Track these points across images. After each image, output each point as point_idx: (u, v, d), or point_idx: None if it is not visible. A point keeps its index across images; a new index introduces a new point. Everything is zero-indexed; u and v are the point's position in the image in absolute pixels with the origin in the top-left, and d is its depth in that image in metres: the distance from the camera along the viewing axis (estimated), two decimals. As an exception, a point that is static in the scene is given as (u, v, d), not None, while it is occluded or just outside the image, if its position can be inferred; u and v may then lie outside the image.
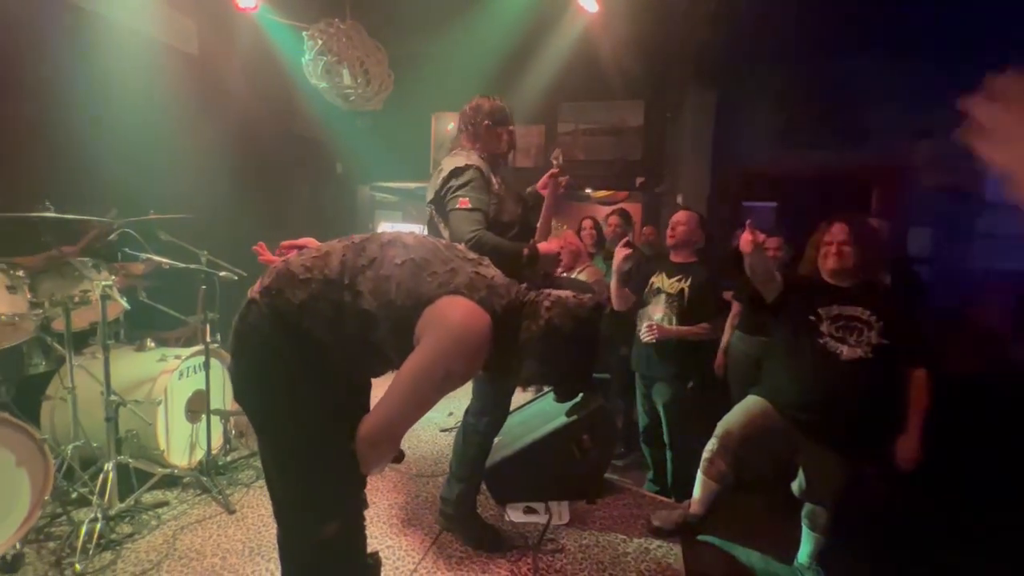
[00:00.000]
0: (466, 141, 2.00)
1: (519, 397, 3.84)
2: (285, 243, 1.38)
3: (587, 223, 3.64)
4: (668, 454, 2.53)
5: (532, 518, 2.31)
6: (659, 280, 2.52)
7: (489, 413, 2.06)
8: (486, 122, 1.98)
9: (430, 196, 1.97)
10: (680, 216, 2.54)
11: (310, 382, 1.13)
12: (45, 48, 2.97)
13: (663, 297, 2.47)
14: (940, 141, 3.89)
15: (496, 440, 2.20)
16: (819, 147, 4.09)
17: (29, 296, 2.13)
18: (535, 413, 2.76)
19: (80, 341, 2.50)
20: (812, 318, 1.94)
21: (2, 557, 1.82)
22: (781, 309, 2.03)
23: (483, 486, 2.36)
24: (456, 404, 3.56)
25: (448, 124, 5.31)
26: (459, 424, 2.17)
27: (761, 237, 1.93)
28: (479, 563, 2.01)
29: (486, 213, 1.84)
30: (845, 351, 1.86)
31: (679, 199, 4.17)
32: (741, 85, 4.21)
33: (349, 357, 1.16)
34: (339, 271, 1.12)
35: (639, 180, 4.89)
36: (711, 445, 2.04)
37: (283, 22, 3.81)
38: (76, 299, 2.22)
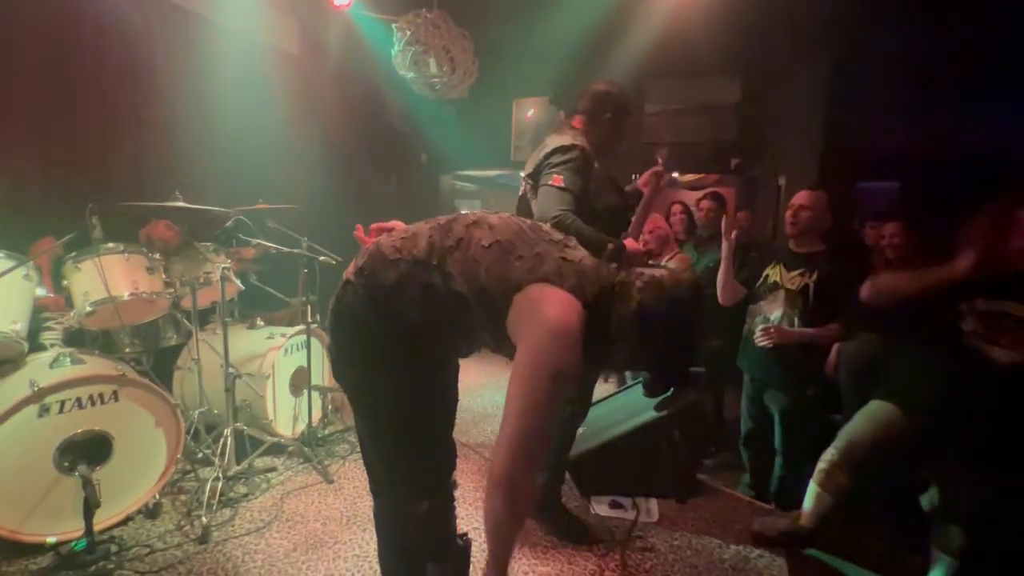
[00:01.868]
0: (578, 123, 1.95)
1: (601, 388, 3.76)
2: (375, 225, 1.41)
3: (676, 207, 3.43)
4: (777, 461, 2.32)
5: (618, 513, 2.24)
6: (775, 273, 2.24)
7: (572, 402, 2.01)
8: (608, 115, 1.93)
9: (529, 169, 1.94)
10: (803, 198, 2.21)
11: (401, 360, 1.15)
12: (169, 53, 3.30)
13: (782, 294, 2.20)
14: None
15: (580, 430, 2.14)
16: (951, 122, 3.53)
17: (164, 277, 2.39)
18: (622, 405, 2.66)
19: (203, 318, 2.77)
20: (954, 313, 1.66)
21: (146, 504, 2.07)
22: (915, 302, 1.75)
23: (568, 476, 2.32)
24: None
25: (528, 110, 5.25)
26: None
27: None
28: (565, 554, 1.98)
29: (578, 197, 1.77)
30: (997, 353, 1.58)
31: (781, 181, 3.81)
32: (859, 53, 3.73)
33: (439, 336, 1.16)
34: (427, 252, 1.12)
35: (734, 161, 4.54)
36: (831, 456, 1.84)
37: (374, 16, 3.94)
38: (201, 280, 2.46)
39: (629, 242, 1.80)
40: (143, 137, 3.19)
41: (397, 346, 1.14)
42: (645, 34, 4.28)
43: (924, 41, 3.60)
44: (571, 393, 1.04)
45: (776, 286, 2.22)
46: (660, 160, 2.01)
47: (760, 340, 2.18)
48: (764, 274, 2.28)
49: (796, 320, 2.15)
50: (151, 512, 2.09)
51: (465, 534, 1.41)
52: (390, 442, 1.21)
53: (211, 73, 3.48)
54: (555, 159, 1.79)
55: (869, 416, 1.83)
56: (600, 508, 2.27)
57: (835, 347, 2.61)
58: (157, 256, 2.39)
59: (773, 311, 2.21)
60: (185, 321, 2.57)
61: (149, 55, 3.19)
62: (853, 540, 2.28)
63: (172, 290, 2.45)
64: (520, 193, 2.00)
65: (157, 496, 2.11)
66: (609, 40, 4.39)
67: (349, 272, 1.19)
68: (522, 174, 1.98)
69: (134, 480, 2.05)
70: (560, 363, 0.96)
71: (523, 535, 2.07)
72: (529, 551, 1.99)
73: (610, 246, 1.74)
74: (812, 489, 1.89)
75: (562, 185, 1.74)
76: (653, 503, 2.30)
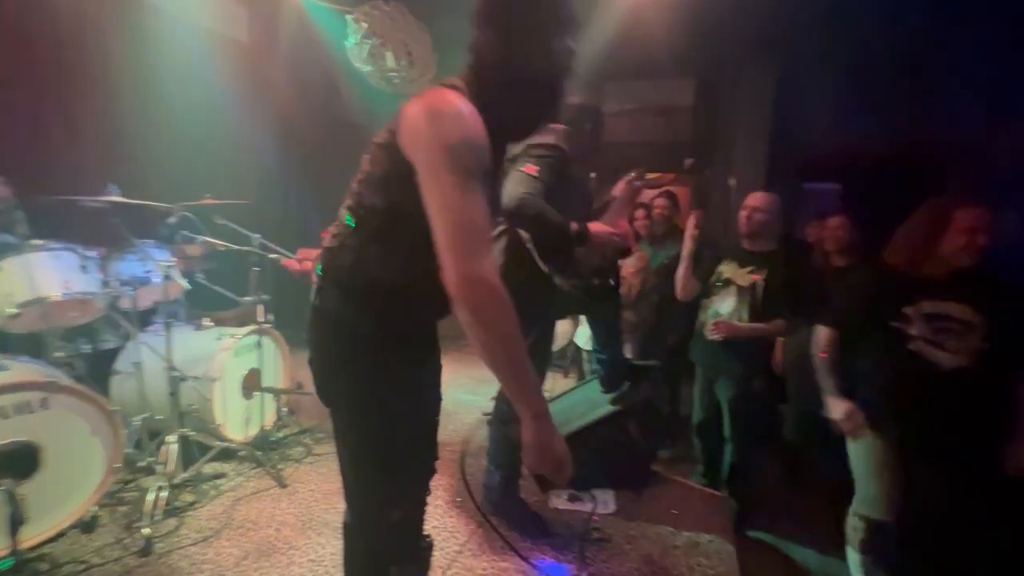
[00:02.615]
0: (559, 131, 1.96)
1: (561, 383, 3.81)
2: (301, 254, 1.37)
3: (640, 212, 3.50)
4: (727, 448, 2.43)
5: (577, 506, 2.28)
6: (728, 269, 2.32)
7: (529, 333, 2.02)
8: (588, 125, 2.00)
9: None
10: (757, 200, 2.29)
11: (387, 353, 1.10)
12: (105, 38, 3.10)
13: (733, 289, 2.28)
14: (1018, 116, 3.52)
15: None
16: (892, 124, 3.77)
17: (100, 275, 2.25)
18: (579, 400, 2.72)
19: (145, 319, 2.63)
20: (899, 318, 1.64)
21: (80, 518, 1.95)
22: (860, 305, 1.76)
23: (526, 471, 2.34)
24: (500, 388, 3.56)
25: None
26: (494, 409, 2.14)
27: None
28: (524, 549, 2.00)
29: (547, 190, 1.79)
30: (942, 358, 1.58)
31: (731, 182, 3.97)
32: (804, 58, 3.92)
33: (407, 285, 1.08)
34: (352, 212, 1.10)
35: (688, 161, 4.69)
36: (859, 528, 1.79)
37: (328, 6, 3.83)
38: (140, 279, 2.33)
39: (593, 225, 1.83)
40: (77, 129, 2.98)
41: (380, 336, 1.09)
42: (604, 35, 4.35)
43: (865, 46, 3.82)
44: (482, 163, 0.94)
45: (729, 282, 2.31)
46: (635, 177, 2.08)
47: (711, 334, 2.27)
48: (718, 270, 2.37)
49: (745, 315, 2.25)
50: (87, 526, 1.97)
51: (427, 536, 1.41)
52: (374, 453, 1.17)
53: (152, 60, 3.30)
54: (535, 151, 1.82)
55: (874, 470, 1.75)
56: (559, 502, 2.30)
57: (779, 341, 2.75)
58: (92, 254, 2.25)
59: (724, 306, 2.30)
60: (124, 322, 2.43)
61: (82, 40, 2.99)
62: (797, 521, 2.42)
63: (109, 290, 2.31)
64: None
65: (94, 509, 1.99)
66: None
67: (312, 277, 1.17)
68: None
69: (67, 493, 1.92)
70: (450, 134, 0.92)
71: (483, 530, 2.08)
72: (488, 546, 2.00)
73: (575, 227, 1.79)
74: (856, 558, 1.82)
75: (535, 174, 1.77)
76: (610, 495, 2.36)
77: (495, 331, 0.90)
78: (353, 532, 1.26)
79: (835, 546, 2.06)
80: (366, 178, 1.08)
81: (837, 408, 1.79)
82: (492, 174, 1.06)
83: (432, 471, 1.29)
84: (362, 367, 1.11)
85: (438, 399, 1.33)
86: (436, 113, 0.94)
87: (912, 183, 3.51)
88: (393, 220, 1.05)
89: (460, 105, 0.95)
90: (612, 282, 2.19)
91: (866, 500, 1.77)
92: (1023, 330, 1.56)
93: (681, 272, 2.42)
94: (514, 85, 1.05)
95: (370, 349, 1.10)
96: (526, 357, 0.93)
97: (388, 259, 1.07)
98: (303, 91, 4.54)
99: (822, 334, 1.85)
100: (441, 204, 0.91)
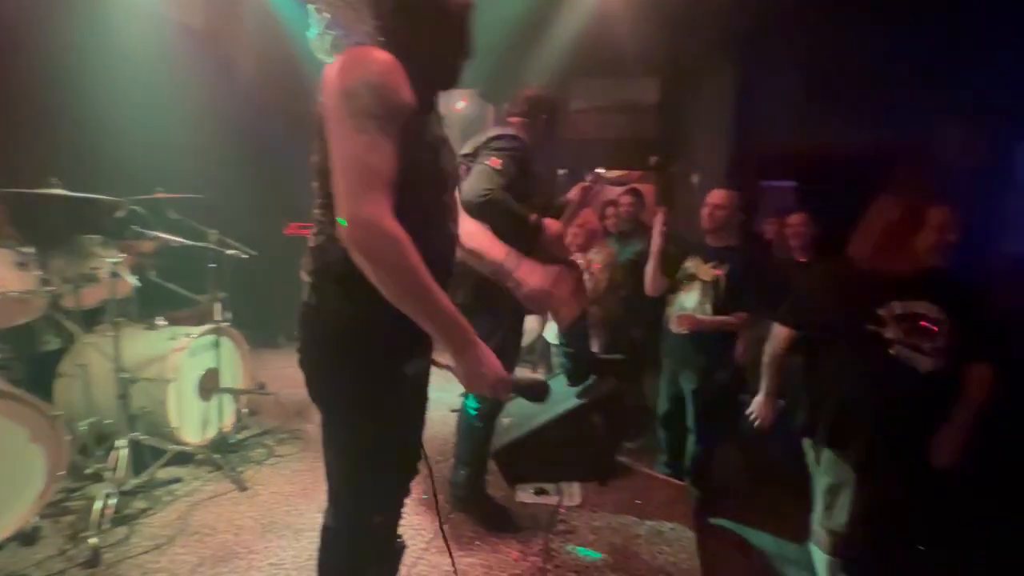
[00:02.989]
0: (516, 124, 2.00)
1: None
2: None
3: (611, 210, 3.54)
4: (690, 438, 2.49)
5: (543, 499, 2.30)
6: (693, 265, 2.39)
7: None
8: (544, 116, 2.01)
9: (467, 150, 1.95)
10: (719, 197, 2.37)
11: (385, 351, 1.06)
12: (47, 22, 2.92)
13: (698, 284, 2.35)
14: (966, 117, 3.74)
15: (507, 421, 2.18)
16: (842, 124, 3.94)
17: (39, 273, 2.12)
18: (546, 395, 2.73)
19: (91, 319, 2.50)
20: (870, 319, 1.58)
21: (20, 530, 1.84)
22: (828, 305, 1.69)
23: (494, 466, 2.35)
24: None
25: (458, 102, 5.19)
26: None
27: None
28: (490, 544, 2.00)
29: (509, 184, 1.80)
30: (923, 362, 1.53)
31: (694, 179, 4.07)
32: (762, 60, 4.05)
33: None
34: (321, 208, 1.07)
35: (653, 159, 4.77)
36: (823, 536, 1.77)
37: (289, -6, 3.71)
38: (85, 276, 2.21)
39: (549, 222, 1.86)
40: (14, 118, 2.80)
41: (379, 330, 1.03)
42: (572, 32, 4.38)
43: (817, 49, 3.98)
44: (387, 104, 0.92)
45: (693, 277, 2.38)
46: (590, 180, 2.12)
47: (676, 327, 2.33)
48: (684, 266, 2.43)
49: (709, 308, 2.31)
50: (28, 538, 1.86)
51: (400, 536, 1.39)
52: (366, 454, 1.13)
53: (100, 47, 3.12)
54: (496, 144, 1.84)
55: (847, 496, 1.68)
56: (525, 496, 2.32)
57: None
58: (30, 250, 2.12)
59: (689, 300, 2.37)
60: (67, 323, 2.31)
61: (22, 24, 2.80)
62: (756, 508, 2.51)
63: (51, 288, 2.18)
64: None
65: (35, 519, 1.88)
66: (538, 35, 4.45)
67: (303, 276, 1.11)
68: (460, 153, 1.97)
69: (5, 503, 1.81)
70: (349, 79, 0.91)
71: (449, 527, 2.07)
72: (454, 543, 1.99)
73: (533, 218, 1.82)
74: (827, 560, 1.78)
75: (498, 167, 1.79)
76: (576, 487, 2.39)
77: (394, 274, 0.90)
78: (333, 535, 1.22)
79: (792, 532, 2.15)
80: (315, 168, 1.05)
81: (761, 405, 1.88)
82: (421, 120, 1.02)
83: (415, 472, 1.27)
84: (361, 365, 1.06)
85: (427, 399, 1.30)
86: (339, 67, 0.94)
87: (864, 181, 3.69)
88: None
89: (364, 52, 0.95)
90: None
91: (830, 515, 1.72)
92: (984, 328, 1.57)
93: (650, 269, 2.47)
94: (414, 20, 1.05)
95: (369, 344, 1.05)
96: (434, 293, 0.92)
97: None
98: (263, 82, 4.39)
99: (781, 334, 1.85)
100: (338, 149, 0.92)
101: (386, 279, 0.91)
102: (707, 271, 2.34)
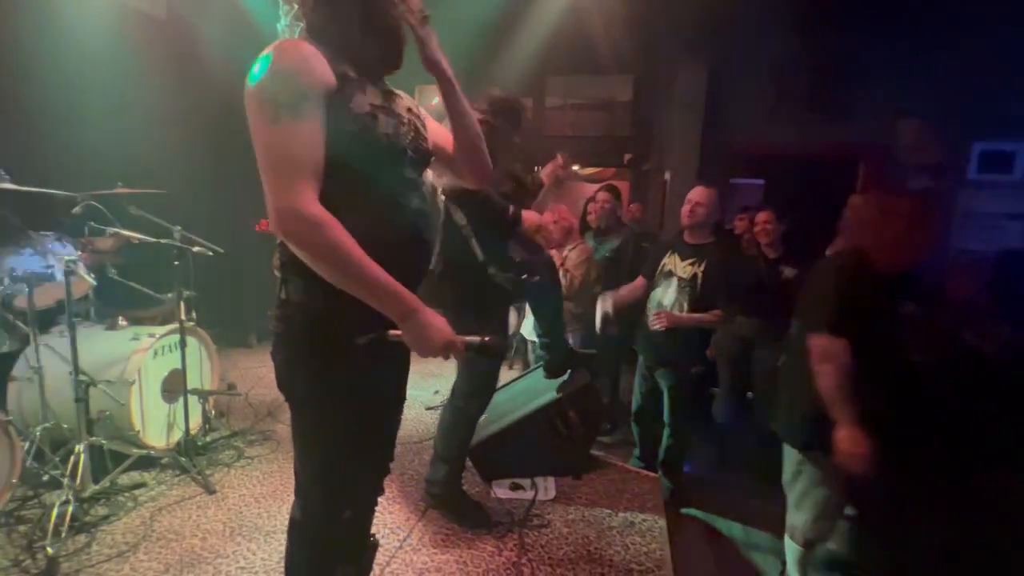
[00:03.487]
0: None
1: (505, 374, 3.83)
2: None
3: (592, 207, 3.53)
4: (665, 432, 2.53)
5: (518, 494, 2.31)
6: (671, 262, 2.40)
7: (478, 395, 2.05)
8: (503, 118, 1.98)
9: None
10: (699, 195, 2.35)
11: (355, 346, 1.04)
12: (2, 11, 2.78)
13: (675, 281, 2.37)
14: (924, 119, 3.91)
15: (483, 418, 2.18)
16: (807, 124, 4.06)
17: (-13, 272, 2.02)
18: (521, 390, 2.75)
19: (46, 320, 2.39)
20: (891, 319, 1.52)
21: (-31, 541, 1.76)
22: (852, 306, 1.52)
23: (469, 463, 2.34)
24: (443, 383, 3.53)
25: (433, 98, 5.13)
26: (444, 403, 2.13)
27: None
28: (465, 540, 2.00)
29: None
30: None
31: (667, 176, 4.13)
32: (732, 60, 4.13)
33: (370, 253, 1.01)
34: None
35: (627, 157, 4.84)
36: (798, 559, 1.69)
37: (254, -17, 3.61)
38: (39, 275, 2.11)
39: (527, 213, 1.88)
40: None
41: (349, 323, 1.02)
42: (548, 30, 4.38)
43: (783, 51, 4.09)
44: (297, 90, 0.91)
45: (671, 274, 2.40)
46: (560, 157, 2.16)
47: (653, 323, 2.35)
48: (662, 263, 2.45)
49: (686, 305, 2.34)
50: (-22, 549, 1.78)
51: (373, 535, 1.38)
52: (335, 447, 1.11)
53: (58, 36, 2.98)
54: None
55: (812, 505, 1.64)
56: (501, 491, 2.32)
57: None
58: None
59: (667, 297, 2.39)
60: (20, 324, 2.20)
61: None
62: (725, 498, 2.58)
63: (1, 288, 2.07)
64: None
65: (-14, 529, 1.80)
66: (512, 33, 4.44)
67: (275, 266, 1.08)
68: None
69: (-48, 514, 1.73)
70: (259, 74, 0.92)
71: (424, 523, 2.06)
72: (430, 539, 1.99)
73: (510, 209, 1.84)
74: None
75: None
76: (551, 481, 2.41)
77: (325, 257, 0.91)
78: (300, 528, 1.20)
79: (760, 519, 2.22)
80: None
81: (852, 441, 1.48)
82: (347, 96, 0.98)
83: (386, 469, 1.26)
84: (330, 359, 1.05)
85: (403, 397, 1.29)
86: (255, 66, 0.93)
87: (828, 180, 3.82)
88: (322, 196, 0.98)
89: (271, 47, 0.94)
90: (541, 277, 2.22)
91: (802, 519, 1.67)
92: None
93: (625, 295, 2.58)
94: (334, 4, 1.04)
95: (335, 335, 1.03)
96: (368, 268, 0.92)
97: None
98: (228, 74, 4.25)
99: (841, 348, 1.51)
100: (257, 145, 0.92)
101: (320, 263, 0.92)
102: (685, 268, 2.36)
